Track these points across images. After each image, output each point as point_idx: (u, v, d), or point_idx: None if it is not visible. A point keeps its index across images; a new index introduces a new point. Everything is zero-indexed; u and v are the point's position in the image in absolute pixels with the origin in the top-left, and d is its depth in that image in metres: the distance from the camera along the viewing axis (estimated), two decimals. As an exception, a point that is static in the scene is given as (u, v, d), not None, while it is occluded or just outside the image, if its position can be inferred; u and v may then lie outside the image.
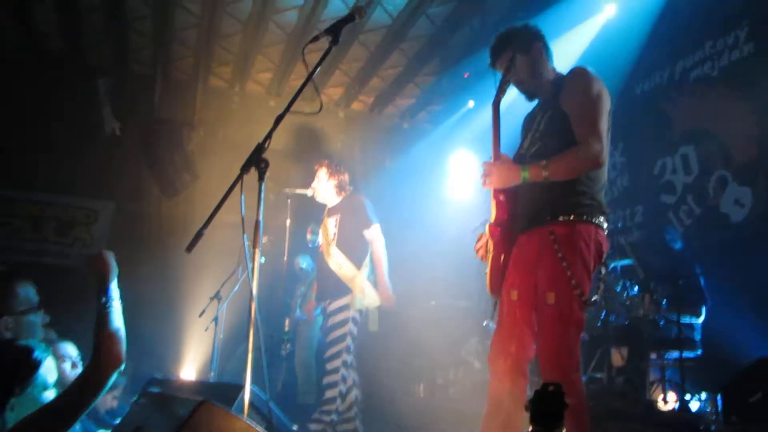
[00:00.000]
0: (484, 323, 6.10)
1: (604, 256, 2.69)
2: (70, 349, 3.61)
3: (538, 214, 2.66)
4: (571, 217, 2.59)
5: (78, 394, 1.95)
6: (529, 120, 2.94)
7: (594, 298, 2.64)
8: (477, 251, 2.92)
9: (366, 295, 4.54)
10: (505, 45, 2.89)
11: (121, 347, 2.07)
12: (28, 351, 2.09)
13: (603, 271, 2.73)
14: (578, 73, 2.75)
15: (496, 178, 2.68)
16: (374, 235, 4.60)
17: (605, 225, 2.68)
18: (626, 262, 5.43)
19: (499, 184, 2.70)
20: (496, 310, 2.84)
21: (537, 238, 2.64)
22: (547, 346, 2.55)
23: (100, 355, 2.03)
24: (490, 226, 2.78)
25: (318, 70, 2.44)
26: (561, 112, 2.70)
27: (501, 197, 2.76)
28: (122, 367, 2.05)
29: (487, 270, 2.82)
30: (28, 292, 2.35)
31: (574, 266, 2.52)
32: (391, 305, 4.59)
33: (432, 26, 7.18)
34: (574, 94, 2.70)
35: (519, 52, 2.84)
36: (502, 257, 2.76)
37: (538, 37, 2.92)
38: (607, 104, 2.69)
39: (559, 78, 2.85)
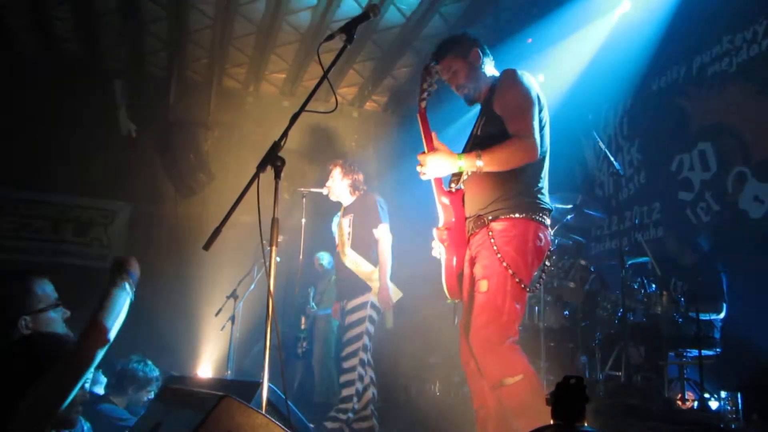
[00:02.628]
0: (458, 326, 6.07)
1: (546, 252, 2.75)
2: None
3: (480, 217, 2.75)
4: (510, 215, 2.68)
5: (66, 368, 1.97)
6: (473, 125, 3.02)
7: (532, 287, 2.70)
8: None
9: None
10: (445, 52, 2.99)
11: (107, 326, 2.07)
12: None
13: (545, 268, 2.79)
14: (506, 75, 2.83)
15: (431, 167, 2.75)
16: (381, 234, 4.61)
17: (546, 221, 2.75)
18: (643, 259, 5.39)
19: (435, 173, 2.77)
20: (457, 313, 2.89)
21: (480, 239, 2.73)
22: (477, 332, 2.59)
23: (88, 331, 2.05)
24: (437, 230, 2.86)
25: (332, 69, 2.45)
26: (494, 115, 2.78)
27: (445, 200, 2.85)
28: (107, 345, 2.06)
29: (443, 273, 2.86)
30: (45, 288, 2.35)
31: (510, 257, 2.59)
32: (388, 308, 4.56)
33: (445, 25, 7.17)
34: (503, 96, 2.78)
35: (457, 58, 2.95)
36: (455, 259, 2.81)
37: (476, 44, 3.01)
38: (536, 102, 2.75)
39: (494, 82, 2.92)
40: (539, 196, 2.75)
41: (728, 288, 5.05)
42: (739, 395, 3.95)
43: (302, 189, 5.07)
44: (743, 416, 3.90)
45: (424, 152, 2.80)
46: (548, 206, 2.78)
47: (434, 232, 2.86)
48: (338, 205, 4.99)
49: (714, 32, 5.80)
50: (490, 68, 3.01)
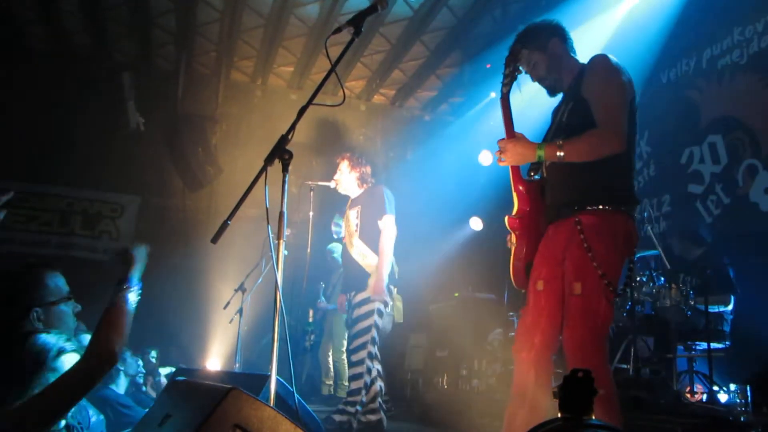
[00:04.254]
0: (509, 314, 6.08)
1: (634, 246, 2.65)
2: None
3: (565, 204, 2.64)
4: (599, 207, 2.57)
5: (70, 385, 1.97)
6: (554, 113, 2.92)
7: (621, 289, 2.59)
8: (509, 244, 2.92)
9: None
10: (523, 45, 2.89)
11: (117, 344, 2.08)
12: (46, 347, 2.12)
13: (632, 261, 2.69)
14: (598, 61, 2.73)
15: (511, 154, 2.68)
16: (385, 225, 4.59)
17: (634, 213, 2.64)
18: (652, 252, 5.37)
19: (514, 160, 2.70)
20: (521, 300, 2.83)
21: (564, 228, 2.61)
22: (573, 337, 2.53)
23: (96, 349, 2.06)
24: (509, 218, 2.78)
25: (340, 62, 2.44)
26: (582, 100, 2.68)
27: (521, 188, 2.76)
28: (115, 363, 2.08)
29: (511, 262, 2.81)
30: (57, 282, 2.36)
31: (601, 256, 2.49)
32: (379, 299, 4.52)
33: (453, 17, 7.13)
34: (593, 81, 2.68)
35: (536, 51, 2.85)
36: (525, 249, 2.75)
37: (555, 32, 2.90)
38: (628, 90, 2.65)
39: (581, 68, 2.82)
40: (627, 185, 2.64)
41: (737, 280, 5.02)
42: (748, 388, 3.94)
43: (310, 182, 5.07)
44: (752, 409, 3.88)
45: (503, 139, 2.74)
46: (635, 196, 2.67)
47: (506, 220, 2.78)
48: (346, 198, 4.99)
49: (725, 24, 5.75)
50: (571, 54, 2.89)
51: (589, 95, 2.66)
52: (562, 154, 2.55)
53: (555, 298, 2.62)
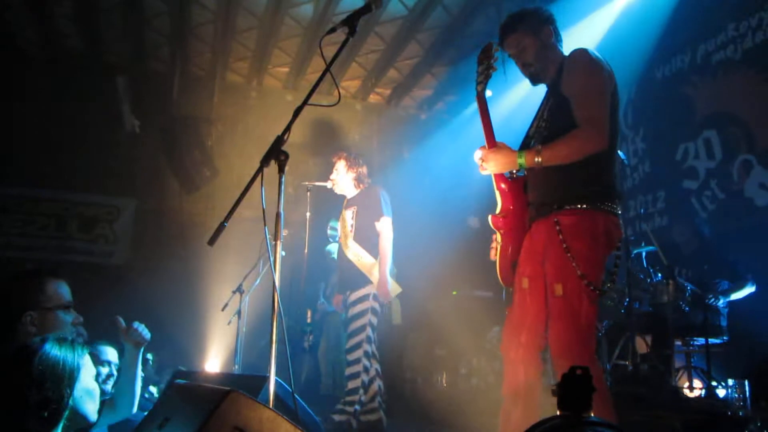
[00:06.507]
0: (507, 312, 6.08)
1: (617, 242, 2.63)
2: (111, 355, 3.44)
3: (545, 203, 2.63)
4: (578, 206, 2.55)
5: None
6: (539, 107, 2.90)
7: (607, 287, 2.58)
8: (491, 251, 2.91)
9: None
10: (516, 26, 2.86)
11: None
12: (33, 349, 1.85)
13: (618, 257, 2.68)
14: (576, 56, 2.69)
15: (492, 163, 2.68)
16: (382, 227, 4.60)
17: (618, 211, 2.62)
18: (649, 248, 5.37)
19: (496, 169, 2.70)
20: (507, 298, 2.84)
21: (544, 228, 2.60)
22: (558, 338, 2.51)
23: None
24: (493, 217, 2.77)
25: (335, 62, 2.44)
26: (562, 97, 2.65)
27: (503, 186, 2.76)
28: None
29: (497, 260, 2.81)
30: (57, 289, 2.33)
31: (581, 256, 2.48)
32: (387, 301, 4.55)
33: (448, 16, 7.13)
34: (572, 77, 2.65)
35: (528, 34, 2.82)
36: (510, 247, 2.74)
37: (549, 21, 2.87)
38: (608, 84, 2.62)
39: (563, 61, 2.79)
40: (608, 182, 2.60)
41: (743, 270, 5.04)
42: (746, 383, 3.95)
43: (306, 183, 5.08)
44: (751, 404, 3.89)
45: (483, 146, 2.75)
46: (618, 193, 2.63)
47: (490, 219, 2.77)
48: (343, 199, 4.99)
49: (719, 20, 5.76)
50: (559, 47, 2.87)
51: (569, 92, 2.64)
52: (539, 160, 2.54)
53: (540, 295, 2.61)
